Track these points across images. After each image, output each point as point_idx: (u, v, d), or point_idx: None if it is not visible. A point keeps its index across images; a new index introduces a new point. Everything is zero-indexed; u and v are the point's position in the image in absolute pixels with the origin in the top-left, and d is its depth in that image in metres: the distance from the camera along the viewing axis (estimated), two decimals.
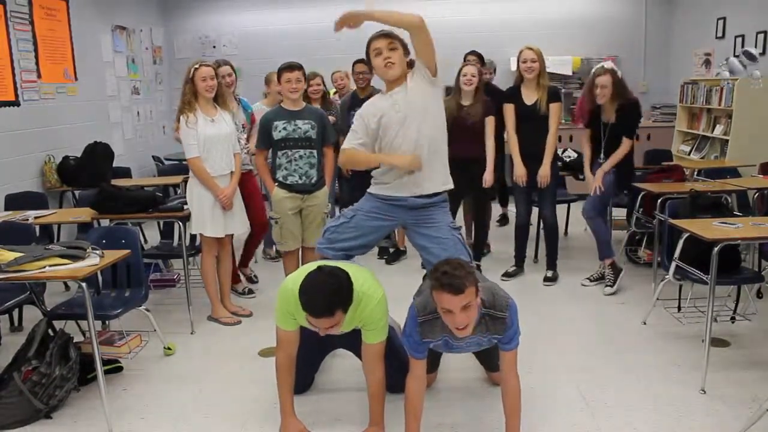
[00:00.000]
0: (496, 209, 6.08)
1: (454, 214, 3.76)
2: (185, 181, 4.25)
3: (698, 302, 3.68)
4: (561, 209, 5.07)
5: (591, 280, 4.55)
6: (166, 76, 8.19)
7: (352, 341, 2.70)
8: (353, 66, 4.95)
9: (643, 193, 4.49)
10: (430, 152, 2.87)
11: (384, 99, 2.91)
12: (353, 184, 4.69)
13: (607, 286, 4.36)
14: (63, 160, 5.66)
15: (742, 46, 6.00)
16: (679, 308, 3.84)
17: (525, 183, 4.48)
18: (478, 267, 4.47)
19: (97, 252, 3.01)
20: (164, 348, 3.57)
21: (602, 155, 4.42)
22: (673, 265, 3.46)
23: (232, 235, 4.16)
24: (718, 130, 6.04)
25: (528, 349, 2.99)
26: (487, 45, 7.07)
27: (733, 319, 3.78)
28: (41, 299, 3.47)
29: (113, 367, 3.33)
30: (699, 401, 2.88)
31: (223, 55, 7.39)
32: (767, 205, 4.29)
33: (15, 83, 5.23)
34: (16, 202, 4.68)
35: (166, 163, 6.89)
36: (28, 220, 3.90)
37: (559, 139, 5.31)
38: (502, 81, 5.79)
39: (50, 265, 2.83)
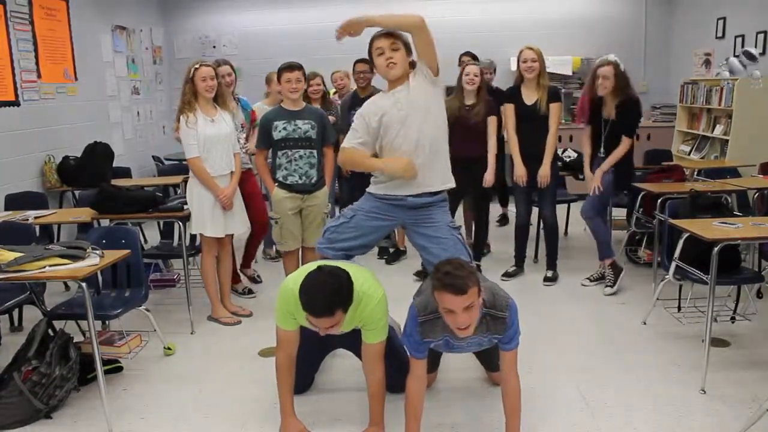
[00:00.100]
0: (496, 209, 6.08)
1: (453, 213, 3.76)
2: (185, 181, 4.25)
3: (698, 302, 3.68)
4: (561, 209, 5.07)
5: (591, 280, 4.54)
6: (166, 76, 8.19)
7: (352, 341, 2.70)
8: (354, 65, 4.95)
9: (643, 193, 4.48)
10: (431, 152, 2.86)
11: (386, 98, 2.91)
12: (353, 184, 4.69)
13: (607, 286, 4.36)
14: (63, 160, 5.66)
15: (742, 46, 6.00)
16: (679, 308, 3.84)
17: (525, 183, 4.48)
18: (478, 267, 4.47)
19: (97, 252, 3.01)
20: (164, 348, 3.57)
21: (602, 151, 4.39)
22: (673, 265, 3.46)
23: (232, 235, 4.16)
24: (718, 130, 6.04)
25: (528, 349, 2.99)
26: (487, 45, 7.11)
27: (733, 319, 3.78)
28: (41, 299, 3.47)
29: (113, 367, 3.33)
30: (699, 401, 2.88)
31: (223, 55, 7.38)
32: (767, 205, 4.29)
33: (15, 83, 5.23)
34: (16, 202, 4.68)
35: (166, 163, 6.89)
36: (28, 220, 3.90)
37: (559, 139, 5.31)
38: (502, 81, 5.79)
39: (50, 265, 2.83)
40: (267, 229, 4.58)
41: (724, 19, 6.47)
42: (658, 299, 3.79)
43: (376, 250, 5.31)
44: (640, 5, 7.75)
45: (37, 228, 4.09)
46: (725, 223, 3.25)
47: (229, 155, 3.93)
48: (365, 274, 2.61)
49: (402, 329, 2.58)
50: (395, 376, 2.64)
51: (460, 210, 4.85)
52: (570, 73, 7.65)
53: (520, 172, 4.47)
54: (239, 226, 4.10)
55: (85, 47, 6.32)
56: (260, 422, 2.83)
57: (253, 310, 4.18)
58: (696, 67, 7.03)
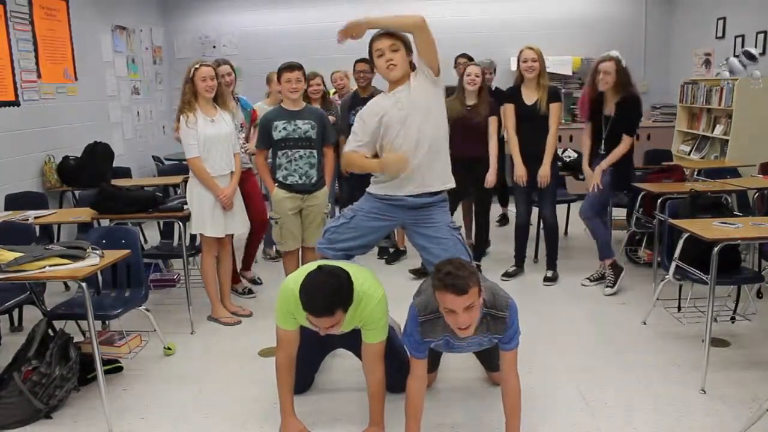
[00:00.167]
0: (496, 209, 6.07)
1: (452, 212, 3.76)
2: (185, 181, 4.25)
3: (698, 302, 3.68)
4: (561, 209, 5.07)
5: (591, 280, 4.54)
6: (166, 76, 8.19)
7: (352, 341, 2.70)
8: (354, 65, 4.94)
9: (643, 193, 4.48)
10: (432, 152, 2.87)
11: (387, 98, 2.91)
12: (353, 184, 4.69)
13: (607, 286, 4.36)
14: (63, 160, 5.66)
15: (742, 46, 6.00)
16: (679, 308, 3.84)
17: (525, 183, 4.48)
18: (478, 267, 4.47)
19: (97, 252, 3.01)
20: (164, 348, 3.57)
21: (603, 148, 4.37)
22: (673, 265, 3.46)
23: (232, 235, 4.16)
24: (718, 130, 6.04)
25: (528, 349, 2.99)
26: (487, 45, 7.12)
27: (733, 319, 3.78)
28: (41, 299, 3.47)
29: (113, 367, 3.33)
30: (699, 401, 2.88)
31: (223, 55, 7.37)
32: (767, 205, 4.29)
33: (15, 83, 5.23)
34: (16, 202, 4.68)
35: (166, 163, 6.89)
36: (28, 220, 3.90)
37: (559, 139, 5.31)
38: (502, 81, 5.79)
39: (50, 265, 2.83)
40: (266, 227, 4.57)
41: (724, 19, 6.47)
42: (658, 299, 3.79)
43: (376, 250, 5.31)
44: (640, 5, 7.75)
45: (37, 228, 4.09)
46: (725, 223, 3.25)
47: (229, 155, 3.93)
48: (365, 274, 2.61)
49: (402, 329, 2.58)
50: (395, 376, 2.64)
51: (460, 210, 4.85)
52: (570, 73, 7.65)
53: (520, 172, 4.47)
54: (239, 226, 4.10)
55: (85, 47, 6.32)
56: (260, 422, 2.83)
57: (253, 310, 4.18)
58: (696, 67, 7.03)
